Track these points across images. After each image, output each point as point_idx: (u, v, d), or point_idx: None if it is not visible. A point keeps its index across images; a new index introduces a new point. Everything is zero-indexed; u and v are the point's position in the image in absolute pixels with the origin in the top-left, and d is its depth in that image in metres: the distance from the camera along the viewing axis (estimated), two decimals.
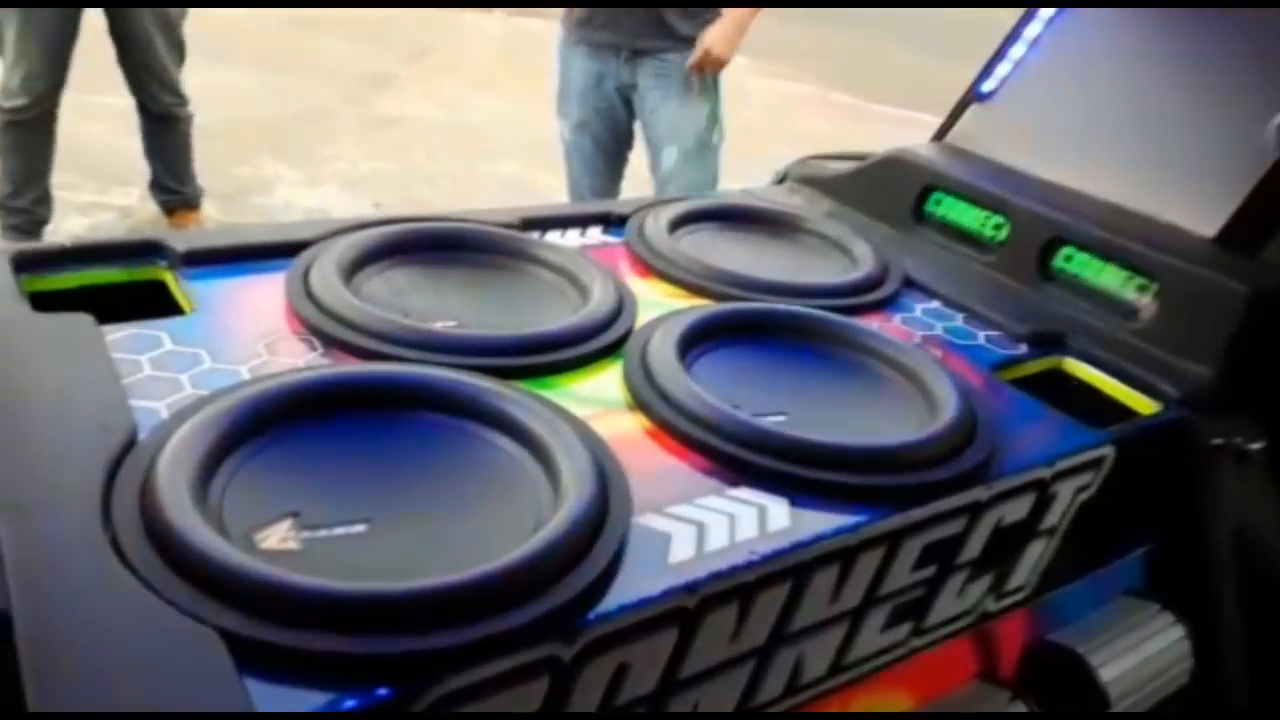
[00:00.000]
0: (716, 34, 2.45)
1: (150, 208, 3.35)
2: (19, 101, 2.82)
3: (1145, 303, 1.19)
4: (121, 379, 0.81)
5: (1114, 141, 1.37)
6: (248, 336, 0.91)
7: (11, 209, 2.95)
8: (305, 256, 1.03)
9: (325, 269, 0.99)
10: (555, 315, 1.01)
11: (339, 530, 0.70)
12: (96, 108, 3.64)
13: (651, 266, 1.18)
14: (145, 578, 0.62)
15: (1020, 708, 0.99)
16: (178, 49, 3.09)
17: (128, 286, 1.00)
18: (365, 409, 0.81)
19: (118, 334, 0.87)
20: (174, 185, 3.27)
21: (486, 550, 0.67)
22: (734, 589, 0.74)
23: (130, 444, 0.73)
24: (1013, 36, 1.47)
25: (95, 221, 3.33)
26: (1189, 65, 1.35)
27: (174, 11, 3.05)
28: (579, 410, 0.86)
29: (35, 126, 2.89)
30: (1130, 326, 1.18)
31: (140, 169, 3.28)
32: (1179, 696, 1.11)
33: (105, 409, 0.76)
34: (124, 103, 3.00)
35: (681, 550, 0.74)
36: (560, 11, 2.63)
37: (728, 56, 2.47)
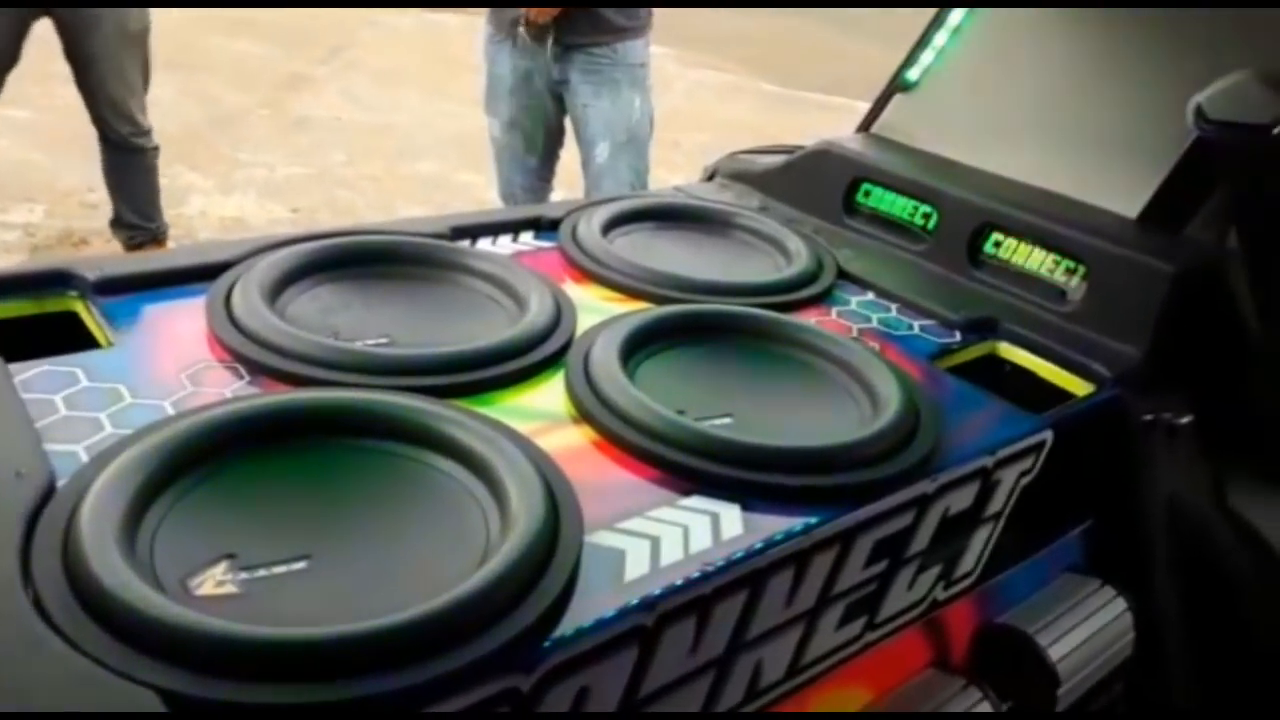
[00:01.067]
0: None
1: (56, 225, 3.22)
2: None
3: (1074, 285, 1.21)
4: (35, 422, 0.76)
5: (1038, 127, 1.39)
6: (169, 368, 0.87)
7: None
8: (226, 279, 0.99)
9: (248, 291, 0.95)
10: (492, 327, 0.99)
11: (279, 569, 0.67)
12: None
13: (587, 271, 1.16)
14: (72, 638, 0.58)
15: (974, 693, 1.00)
16: (142, 71, 2.84)
17: (37, 319, 0.95)
18: (298, 438, 0.78)
19: (28, 372, 0.83)
20: (138, 221, 3.02)
21: (435, 582, 0.65)
22: (691, 602, 0.73)
23: (48, 493, 0.69)
24: (935, 24, 1.48)
25: None
26: (1108, 48, 1.37)
27: (136, 25, 2.79)
28: (522, 426, 0.84)
29: None
30: (1061, 309, 1.20)
31: (44, 184, 3.14)
32: (1124, 668, 1.14)
33: (18, 456, 0.72)
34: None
35: (636, 567, 0.72)
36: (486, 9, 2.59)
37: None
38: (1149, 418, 1.11)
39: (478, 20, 2.66)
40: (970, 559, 1.00)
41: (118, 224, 3.05)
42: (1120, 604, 1.13)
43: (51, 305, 0.96)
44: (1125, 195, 1.27)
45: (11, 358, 0.84)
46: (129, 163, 2.95)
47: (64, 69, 2.77)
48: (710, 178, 1.56)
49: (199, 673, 0.57)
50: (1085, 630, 1.09)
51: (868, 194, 1.40)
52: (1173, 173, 1.25)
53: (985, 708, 1.00)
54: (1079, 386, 1.11)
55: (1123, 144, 1.31)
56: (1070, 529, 1.15)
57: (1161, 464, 1.14)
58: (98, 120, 2.86)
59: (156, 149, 2.98)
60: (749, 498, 0.81)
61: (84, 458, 0.74)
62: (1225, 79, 1.07)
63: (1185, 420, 1.13)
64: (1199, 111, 1.06)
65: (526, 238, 1.25)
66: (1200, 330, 1.17)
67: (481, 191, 3.78)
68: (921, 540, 0.92)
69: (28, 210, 3.38)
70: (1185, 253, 1.20)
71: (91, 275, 0.96)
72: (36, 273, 0.97)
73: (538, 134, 2.63)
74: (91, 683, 0.56)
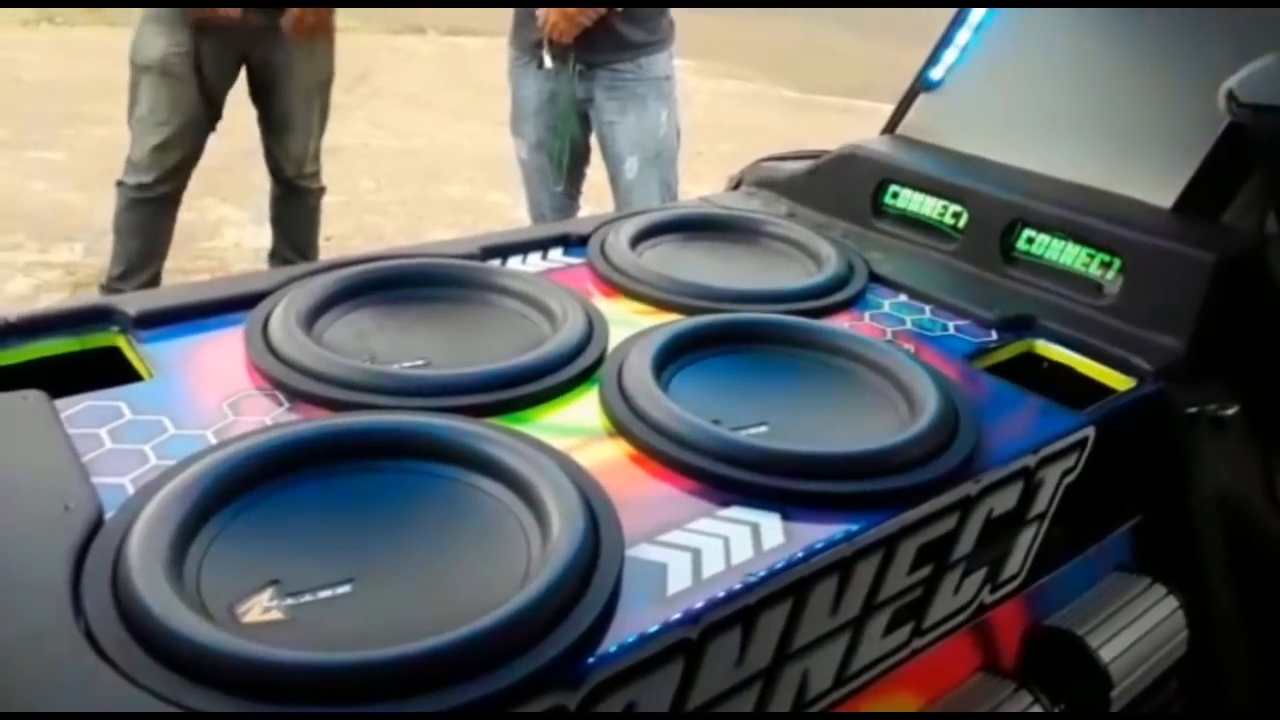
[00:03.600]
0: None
1: (96, 263, 3.27)
2: (147, 177, 2.67)
3: (1110, 279, 1.19)
4: (81, 456, 0.78)
5: (1065, 120, 1.38)
6: (210, 398, 0.88)
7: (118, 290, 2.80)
8: (263, 308, 1.01)
9: (284, 319, 0.96)
10: (525, 345, 0.99)
11: (323, 594, 0.67)
12: (34, 164, 3.55)
13: (617, 285, 1.16)
14: (124, 668, 0.59)
15: (1026, 697, 0.99)
16: (323, 118, 2.94)
17: (81, 356, 0.96)
18: (338, 463, 0.78)
19: (74, 408, 0.84)
20: (293, 257, 3.05)
21: (478, 601, 0.65)
22: (735, 614, 0.72)
23: (96, 525, 0.70)
24: (957, 22, 1.48)
25: (39, 281, 3.25)
26: (1134, 37, 1.36)
27: (324, 75, 2.87)
28: (559, 442, 0.85)
29: (162, 204, 2.75)
30: (1098, 303, 1.19)
31: (82, 223, 3.20)
32: (1177, 668, 1.12)
33: (66, 490, 0.73)
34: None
35: (678, 580, 0.72)
36: (507, 32, 2.61)
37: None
38: (1193, 410, 1.09)
39: (498, 42, 2.68)
40: (1016, 560, 0.99)
41: (275, 257, 3.11)
42: (1172, 602, 1.11)
43: (94, 341, 0.98)
44: (1159, 185, 1.25)
45: (57, 394, 0.85)
46: (294, 201, 3.03)
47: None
48: (736, 186, 1.56)
49: (247, 699, 0.57)
50: (1137, 630, 1.07)
51: (895, 195, 1.39)
52: (1207, 159, 1.23)
53: (1037, 711, 0.98)
54: (1120, 381, 1.09)
55: (1154, 133, 1.29)
56: (1118, 527, 1.14)
57: (1208, 457, 1.12)
58: (272, 160, 2.96)
59: (322, 190, 3.06)
60: (789, 506, 0.80)
61: (130, 489, 0.75)
62: (1257, 62, 1.05)
63: (1231, 411, 1.11)
64: (1231, 96, 1.04)
65: (556, 255, 1.25)
66: (1243, 319, 1.15)
67: (509, 211, 3.81)
68: (966, 543, 0.91)
69: (68, 249, 3.45)
70: (1224, 240, 1.18)
71: (132, 310, 0.98)
72: (78, 310, 0.99)
73: (564, 154, 2.64)
74: (144, 712, 0.57)
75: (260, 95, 2.85)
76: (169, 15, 2.59)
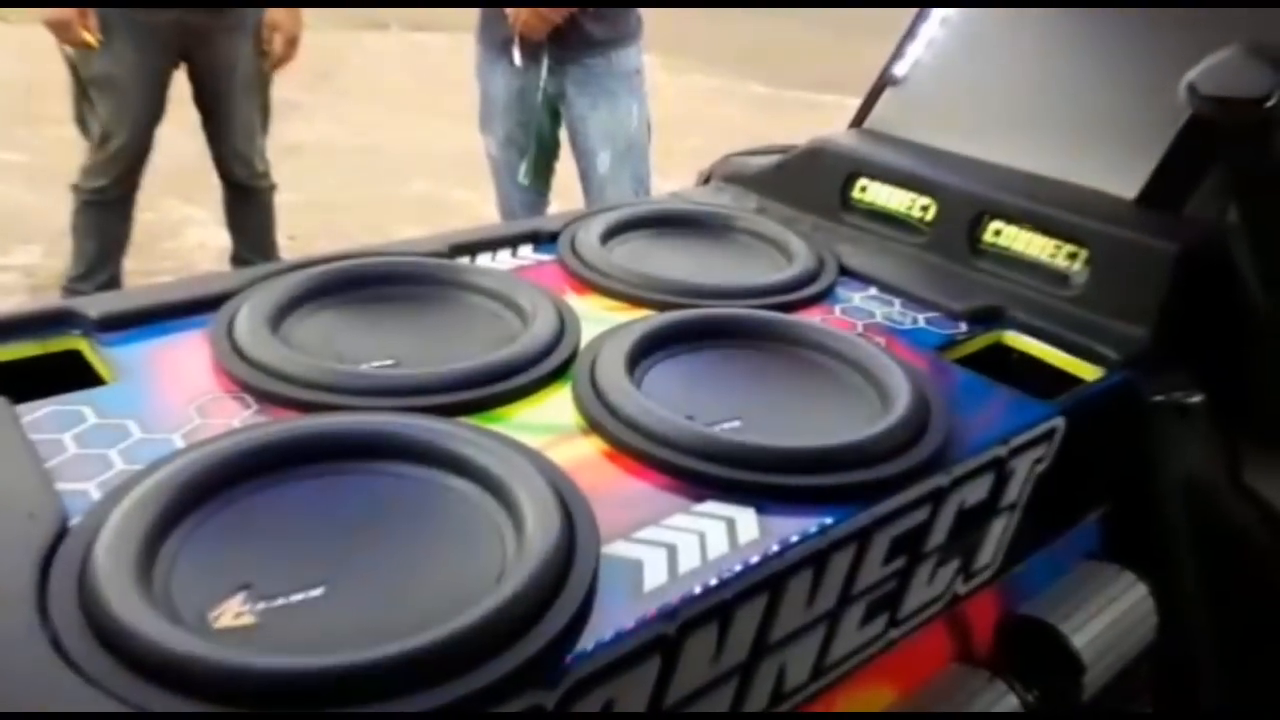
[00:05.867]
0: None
1: (54, 265, 3.22)
2: (101, 181, 2.68)
3: (1076, 269, 1.21)
4: (44, 462, 0.76)
5: (1031, 113, 1.39)
6: (176, 401, 0.86)
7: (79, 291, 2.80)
8: (228, 309, 0.99)
9: (250, 320, 0.95)
10: (496, 343, 0.98)
11: (296, 598, 0.66)
12: None
13: (588, 281, 1.16)
14: (92, 676, 0.58)
15: (1000, 685, 1.00)
16: (263, 115, 2.93)
17: (41, 360, 0.94)
18: (309, 465, 0.77)
19: (35, 413, 0.82)
20: (254, 258, 3.06)
21: (453, 602, 0.64)
22: (712, 609, 0.72)
23: (62, 533, 0.68)
24: (922, 15, 1.48)
25: None
26: (1097, 30, 1.37)
27: (263, 73, 2.88)
28: (532, 440, 0.84)
29: (115, 207, 2.76)
30: (1064, 294, 1.20)
31: (40, 225, 3.14)
32: (1148, 653, 1.13)
33: (29, 498, 0.71)
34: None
35: (655, 576, 0.72)
36: (473, 28, 2.60)
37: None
38: (1159, 398, 1.11)
39: (462, 38, 2.66)
40: (989, 550, 1.00)
41: (236, 261, 3.12)
42: (1141, 589, 1.12)
43: (55, 345, 0.96)
44: (1122, 176, 1.27)
45: (17, 399, 0.83)
46: (249, 202, 3.03)
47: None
48: (705, 181, 1.56)
49: (220, 704, 0.56)
50: (1108, 617, 1.08)
51: (864, 189, 1.40)
52: (1169, 151, 1.25)
53: (1012, 699, 0.99)
54: (1088, 371, 1.10)
55: (1117, 125, 1.31)
56: (1087, 515, 1.15)
57: (1174, 444, 1.13)
58: (219, 162, 2.95)
59: (273, 188, 3.06)
60: (763, 500, 0.80)
61: (95, 496, 0.73)
62: (1216, 54, 1.07)
63: (1196, 399, 1.13)
64: (1192, 88, 1.05)
65: (525, 251, 1.25)
66: (1206, 308, 1.17)
67: (477, 209, 3.79)
68: (939, 534, 0.91)
69: (25, 252, 3.39)
70: (1186, 231, 1.19)
71: (93, 313, 0.96)
72: (39, 313, 0.97)
73: (535, 150, 2.63)
74: (112, 712, 0.55)
75: (202, 96, 2.85)
76: (108, 24, 2.58)
